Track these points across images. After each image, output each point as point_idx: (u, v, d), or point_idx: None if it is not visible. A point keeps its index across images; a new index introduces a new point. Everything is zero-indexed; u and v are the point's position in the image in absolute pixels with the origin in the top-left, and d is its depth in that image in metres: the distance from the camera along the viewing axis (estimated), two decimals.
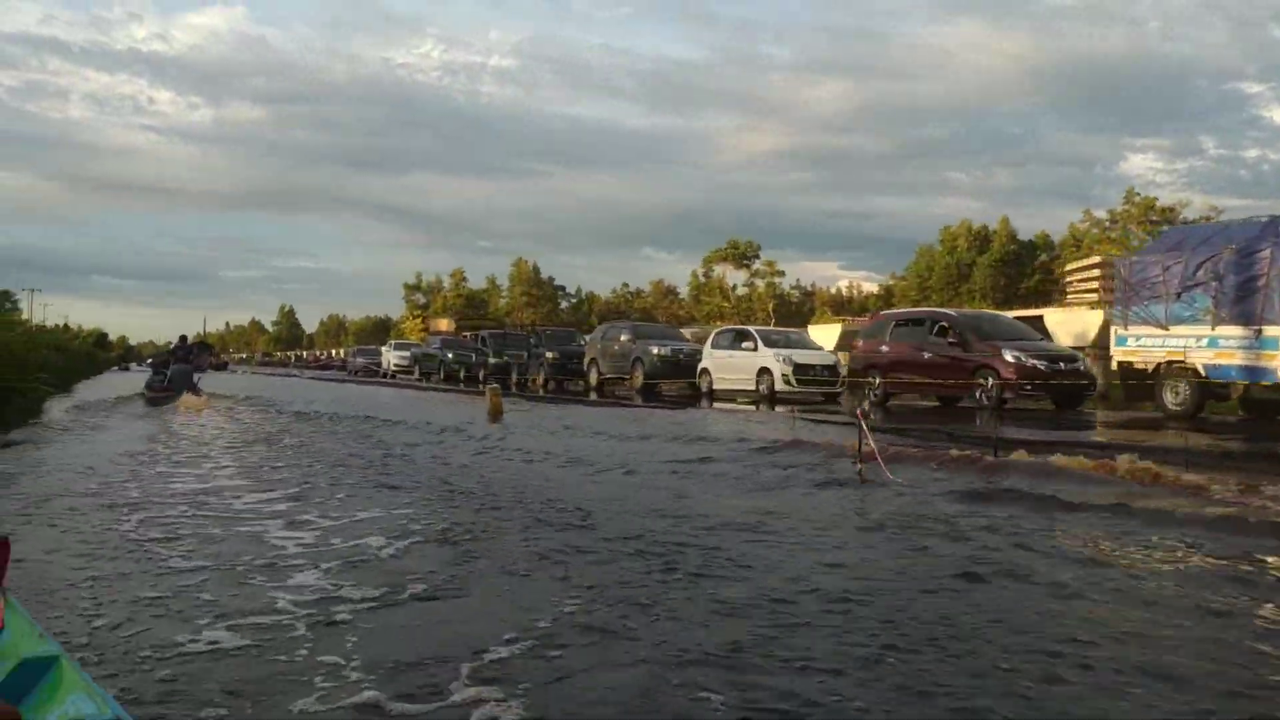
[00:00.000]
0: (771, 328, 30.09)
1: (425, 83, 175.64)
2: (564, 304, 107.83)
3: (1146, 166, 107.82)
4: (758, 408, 20.50)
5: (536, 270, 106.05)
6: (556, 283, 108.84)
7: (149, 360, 34.51)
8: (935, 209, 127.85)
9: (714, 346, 24.51)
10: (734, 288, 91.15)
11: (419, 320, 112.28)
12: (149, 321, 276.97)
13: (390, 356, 47.40)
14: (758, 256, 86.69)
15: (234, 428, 17.22)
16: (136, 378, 37.36)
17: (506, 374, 36.63)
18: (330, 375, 53.54)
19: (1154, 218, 78.80)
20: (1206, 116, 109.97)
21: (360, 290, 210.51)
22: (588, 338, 33.02)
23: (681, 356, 26.58)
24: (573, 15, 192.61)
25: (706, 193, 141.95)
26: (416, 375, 43.07)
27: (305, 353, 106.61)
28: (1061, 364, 16.44)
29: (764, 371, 22.17)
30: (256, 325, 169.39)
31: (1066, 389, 16.22)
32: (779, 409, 19.59)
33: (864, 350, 19.71)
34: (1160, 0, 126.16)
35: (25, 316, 42.13)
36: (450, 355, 40.78)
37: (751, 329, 24.36)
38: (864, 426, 9.12)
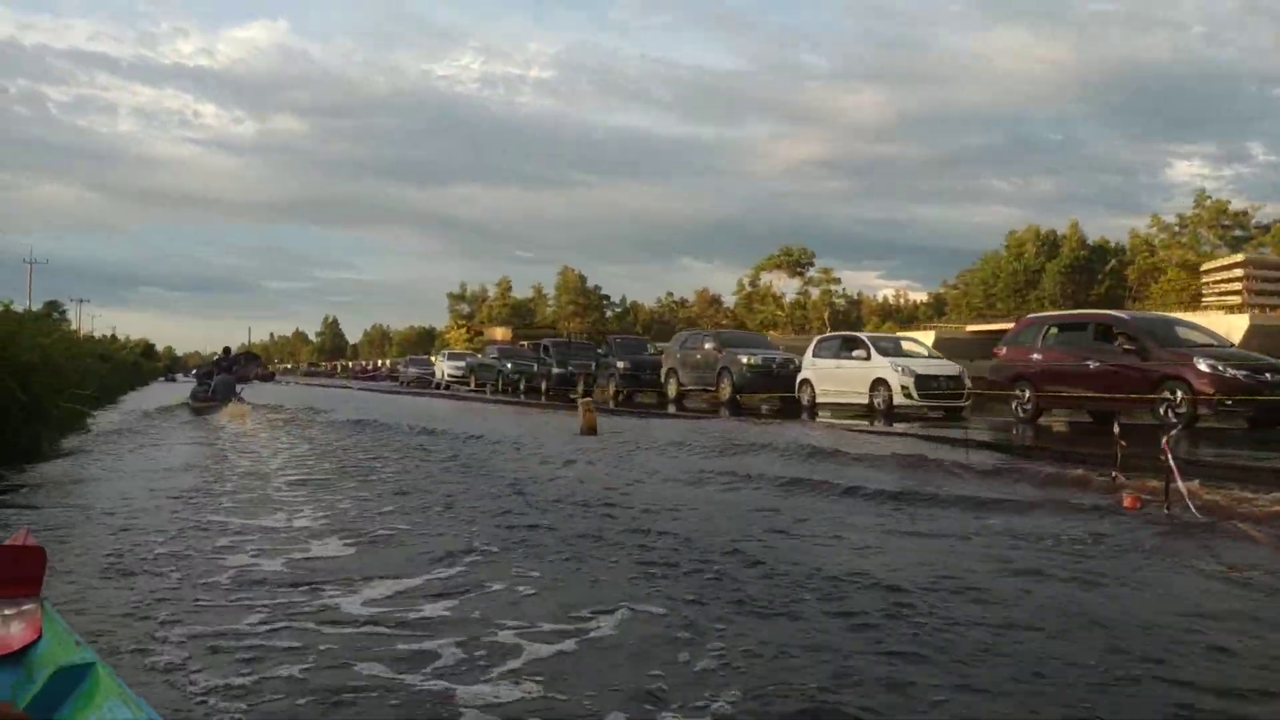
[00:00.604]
0: (880, 334, 27.36)
1: (465, 94, 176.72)
2: (608, 313, 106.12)
3: (1192, 173, 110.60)
4: (873, 423, 18.09)
5: (583, 279, 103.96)
6: (601, 292, 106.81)
7: (194, 371, 35.10)
8: (975, 217, 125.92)
9: (817, 355, 22.06)
10: (781, 295, 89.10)
11: (464, 330, 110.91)
12: (195, 332, 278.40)
13: (444, 367, 45.26)
14: (812, 264, 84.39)
15: (300, 447, 14.99)
16: (183, 388, 35.96)
17: (570, 385, 34.40)
18: (381, 386, 51.52)
19: (1225, 222, 75.83)
20: (1253, 121, 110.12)
21: (402, 301, 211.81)
22: (662, 347, 30.82)
23: (774, 366, 24.19)
24: (610, 26, 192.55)
25: (744, 202, 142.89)
26: (472, 386, 40.90)
27: (351, 363, 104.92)
28: (1267, 375, 13.88)
29: (879, 383, 19.68)
30: (300, 336, 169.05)
31: (1270, 405, 13.67)
32: (898, 425, 17.18)
33: (1009, 358, 17.14)
34: (1204, 4, 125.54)
35: (74, 327, 40.63)
36: (509, 365, 38.49)
37: (862, 336, 21.84)
38: (1170, 460, 6.72)
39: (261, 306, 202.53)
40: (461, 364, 44.67)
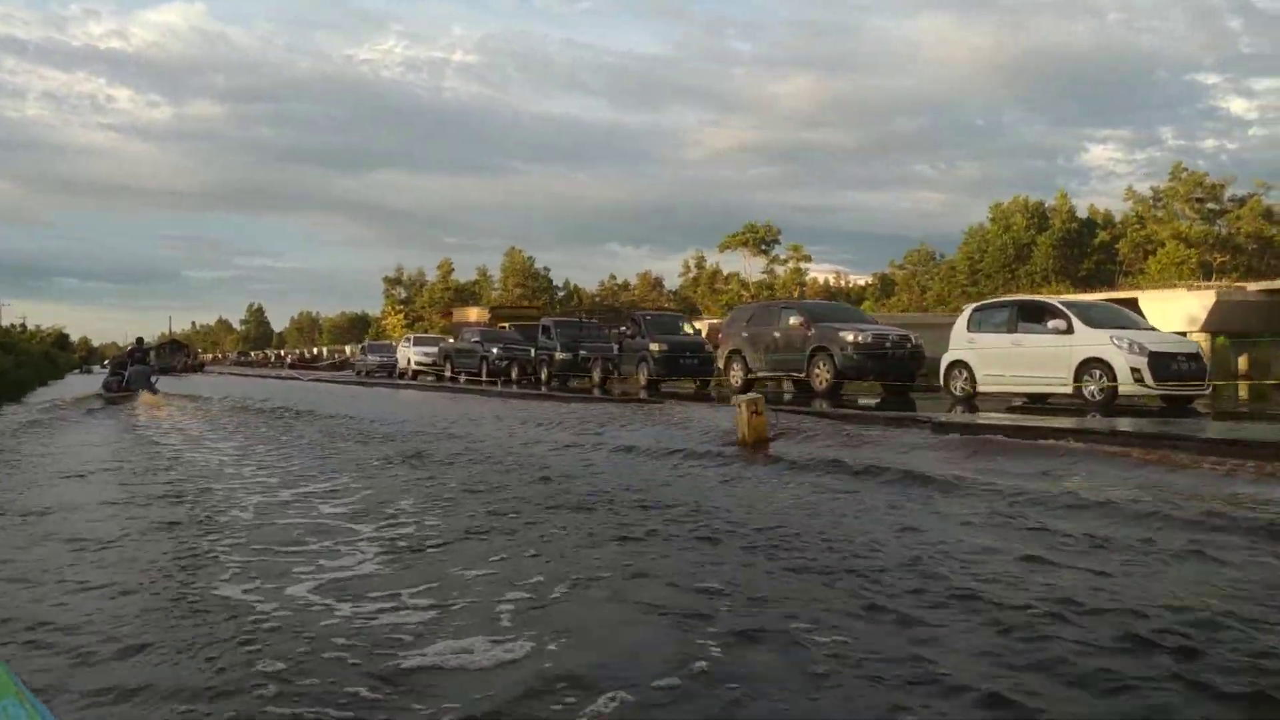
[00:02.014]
0: (1076, 299, 21.08)
1: (389, 79, 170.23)
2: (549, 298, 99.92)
3: (1107, 157, 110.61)
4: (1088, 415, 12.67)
5: (530, 261, 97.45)
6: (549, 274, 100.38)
7: (106, 362, 33.52)
8: (902, 202, 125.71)
9: (976, 328, 16.47)
10: (737, 274, 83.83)
11: (401, 315, 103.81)
12: (113, 324, 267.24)
13: (410, 353, 38.81)
14: (777, 242, 79.00)
15: (292, 466, 9.11)
16: (100, 380, 30.43)
17: (579, 371, 28.63)
18: (337, 376, 44.82)
19: (1199, 195, 72.16)
20: (1166, 108, 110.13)
21: (328, 288, 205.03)
22: (710, 324, 25.15)
23: (888, 345, 18.67)
24: (536, 11, 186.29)
25: (673, 188, 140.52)
26: (449, 374, 34.75)
27: (284, 351, 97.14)
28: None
29: (1091, 365, 14.19)
30: (224, 325, 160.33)
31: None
32: (1123, 421, 11.81)
33: None
34: None
35: None
36: (496, 350, 32.50)
37: (1054, 302, 16.14)
38: None
39: (183, 296, 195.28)
40: (433, 349, 38.37)
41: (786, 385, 21.95)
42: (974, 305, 17.47)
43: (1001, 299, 20.09)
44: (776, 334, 20.31)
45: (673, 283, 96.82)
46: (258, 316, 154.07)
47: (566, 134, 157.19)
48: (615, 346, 26.26)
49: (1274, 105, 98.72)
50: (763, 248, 78.48)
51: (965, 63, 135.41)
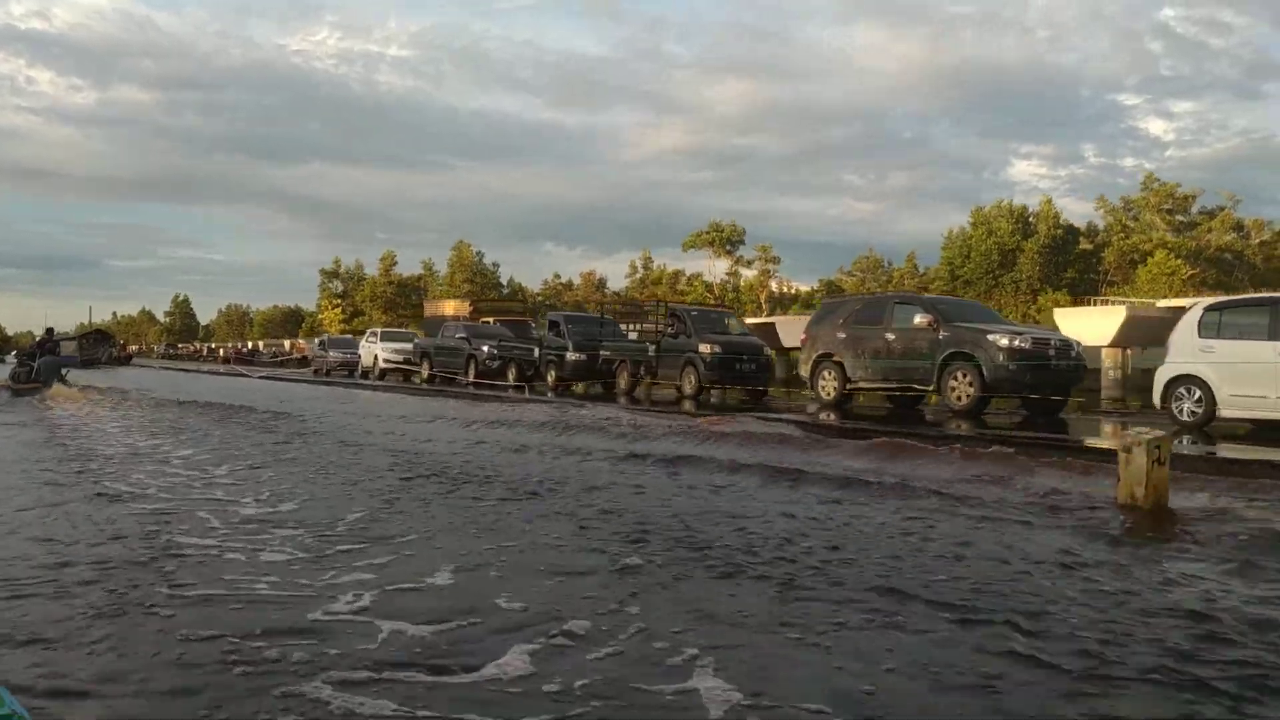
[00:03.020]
0: None
1: (321, 70, 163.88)
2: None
3: (1031, 172, 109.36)
4: None
5: (479, 256, 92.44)
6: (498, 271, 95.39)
7: (15, 353, 30.84)
8: (831, 210, 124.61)
9: (1213, 333, 12.49)
10: (699, 276, 79.98)
11: (338, 310, 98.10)
12: (30, 312, 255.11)
13: (377, 350, 33.96)
14: (743, 242, 75.19)
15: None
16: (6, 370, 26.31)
17: (595, 374, 24.37)
18: (294, 374, 39.58)
19: (1167, 206, 70.04)
20: (1088, 125, 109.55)
21: (257, 281, 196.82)
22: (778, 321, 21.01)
23: (1050, 353, 14.70)
24: (474, 6, 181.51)
25: (610, 189, 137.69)
26: (426, 374, 30.14)
27: (217, 345, 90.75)
28: None
29: None
30: (147, 316, 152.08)
31: None
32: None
33: None
34: (1049, 10, 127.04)
35: None
36: (487, 349, 27.96)
37: None
38: None
39: (104, 285, 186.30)
40: (405, 346, 33.61)
41: (862, 396, 17.90)
42: (1207, 303, 13.45)
43: (1258, 295, 16.17)
44: (890, 335, 16.20)
45: (616, 283, 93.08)
46: (183, 308, 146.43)
47: (503, 131, 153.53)
48: (650, 347, 21.95)
49: (1191, 128, 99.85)
50: (728, 248, 74.62)
51: (896, 74, 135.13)
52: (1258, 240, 70.27)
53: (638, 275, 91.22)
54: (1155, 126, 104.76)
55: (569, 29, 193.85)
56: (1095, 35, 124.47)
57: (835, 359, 17.16)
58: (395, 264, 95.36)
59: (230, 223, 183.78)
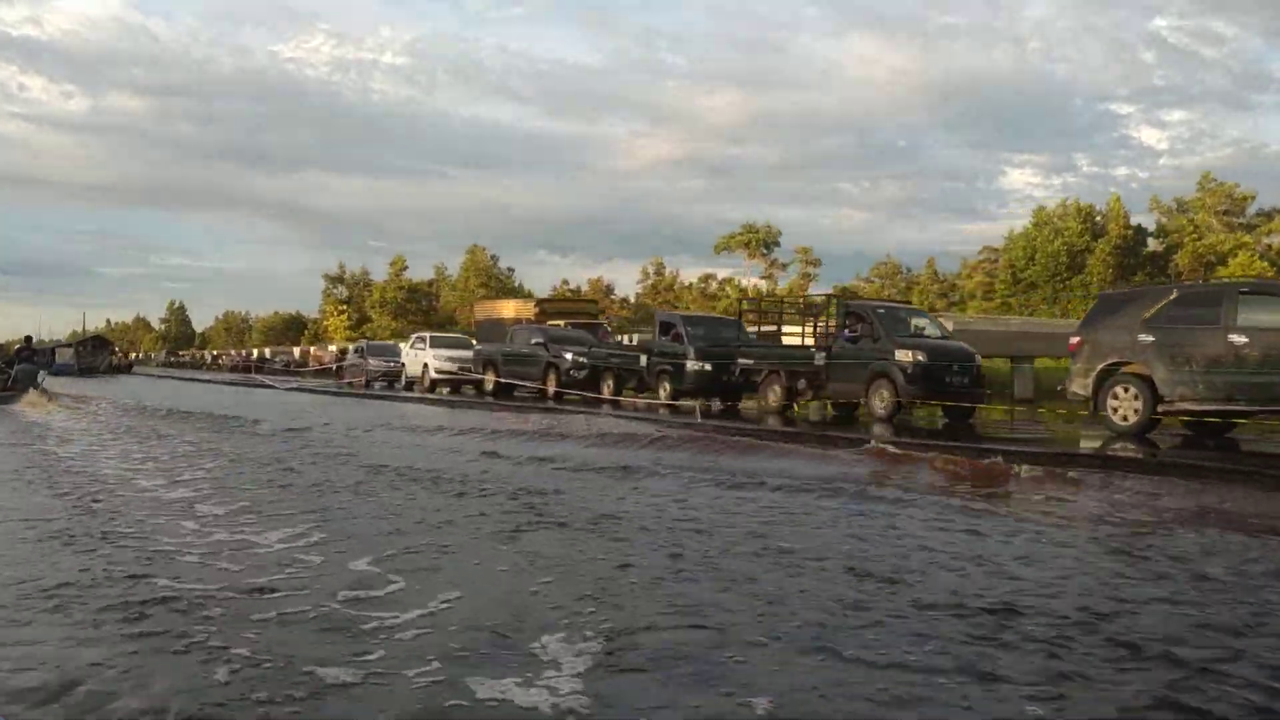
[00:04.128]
0: None
1: (315, 78, 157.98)
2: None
3: (1024, 181, 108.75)
4: None
5: (494, 260, 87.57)
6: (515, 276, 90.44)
7: None
8: (824, 219, 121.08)
9: None
10: (705, 284, 75.34)
11: (344, 316, 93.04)
12: (22, 320, 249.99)
13: (428, 357, 29.07)
14: (778, 244, 70.52)
15: None
16: None
17: (725, 388, 19.74)
18: (319, 385, 34.41)
19: (1223, 207, 65.74)
20: (1081, 135, 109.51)
21: (251, 288, 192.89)
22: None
23: None
24: (467, 15, 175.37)
25: (603, 198, 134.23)
26: (491, 385, 25.40)
27: (219, 352, 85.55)
28: None
29: None
30: (142, 323, 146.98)
31: None
32: None
33: None
34: (1042, 21, 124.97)
35: None
36: (571, 356, 23.25)
37: None
38: None
39: (96, 292, 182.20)
40: (462, 354, 28.77)
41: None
42: None
43: None
44: (1236, 339, 11.50)
45: (624, 291, 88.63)
46: (179, 315, 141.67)
47: (496, 140, 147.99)
48: (818, 354, 17.19)
49: (1183, 137, 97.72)
50: (763, 251, 69.94)
51: (888, 84, 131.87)
52: None
53: (649, 282, 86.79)
54: (1148, 136, 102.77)
55: (562, 39, 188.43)
56: (1086, 46, 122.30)
57: (1136, 370, 12.45)
58: (406, 268, 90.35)
59: (222, 230, 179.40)
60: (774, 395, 17.98)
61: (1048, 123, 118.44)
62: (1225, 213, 65.66)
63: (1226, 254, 54.48)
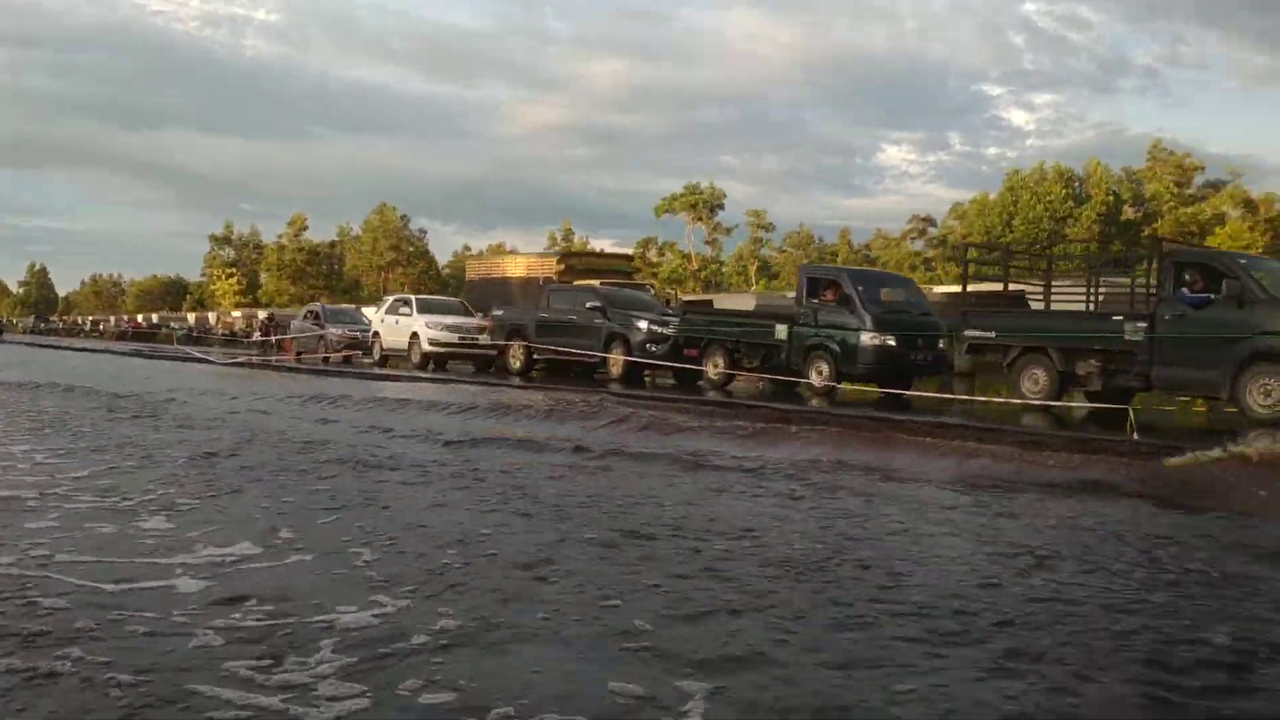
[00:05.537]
0: None
1: (183, 32, 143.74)
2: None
3: (901, 158, 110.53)
4: None
5: (405, 220, 79.68)
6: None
7: None
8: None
9: None
10: (662, 248, 69.34)
11: (233, 280, 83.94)
12: None
13: (416, 326, 22.47)
14: (722, 206, 64.85)
15: None
16: None
17: (907, 372, 14.12)
18: (280, 363, 27.03)
19: (1174, 177, 62.96)
20: (954, 114, 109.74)
21: (117, 251, 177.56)
22: None
23: None
24: None
25: (485, 165, 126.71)
26: (519, 364, 19.23)
27: (96, 319, 75.46)
28: None
29: None
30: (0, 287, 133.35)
31: None
32: None
33: None
34: (920, 2, 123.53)
35: None
36: (647, 326, 17.29)
37: None
38: None
39: None
40: (464, 320, 22.27)
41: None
42: None
43: None
44: None
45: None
46: (39, 278, 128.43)
47: (375, 102, 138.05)
48: (1133, 326, 11.50)
49: (1050, 119, 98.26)
50: (709, 212, 64.26)
51: (772, 58, 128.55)
52: (1264, 216, 63.72)
53: (556, 249, 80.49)
54: (1017, 117, 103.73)
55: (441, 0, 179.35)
56: (961, 27, 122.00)
57: None
58: (306, 228, 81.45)
59: (86, 191, 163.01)
60: (1034, 382, 12.26)
61: (923, 102, 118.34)
62: (1176, 184, 62.98)
63: (1206, 223, 51.33)
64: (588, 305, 18.60)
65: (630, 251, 48.37)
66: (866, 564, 5.10)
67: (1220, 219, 50.36)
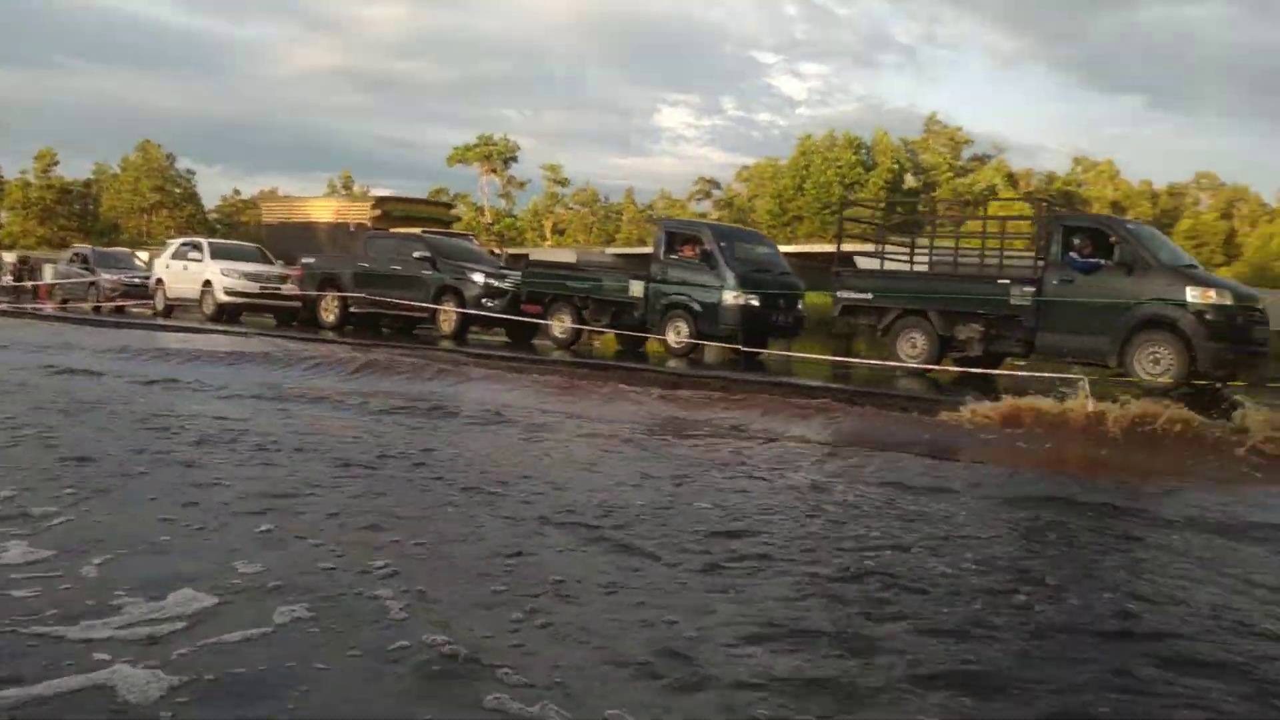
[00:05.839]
0: None
1: None
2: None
3: (678, 121, 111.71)
4: None
5: (170, 159, 73.43)
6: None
7: None
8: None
9: None
10: (454, 199, 66.85)
11: None
12: None
13: (209, 274, 19.59)
14: (516, 159, 63.07)
15: None
16: None
17: (768, 333, 13.67)
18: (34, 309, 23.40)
19: (947, 148, 66.38)
20: (729, 80, 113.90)
21: None
22: None
23: None
24: None
25: (253, 106, 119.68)
26: (333, 318, 17.49)
27: None
28: None
29: None
30: None
31: None
32: None
33: None
34: None
35: None
36: (483, 279, 16.02)
37: None
38: None
39: None
40: (266, 269, 20.07)
41: None
42: None
43: None
44: None
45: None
46: None
47: (125, 30, 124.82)
48: (1019, 290, 11.20)
49: (819, 89, 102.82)
50: (504, 164, 62.40)
51: (555, 13, 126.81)
52: (1024, 189, 68.19)
53: (337, 196, 76.60)
54: (789, 86, 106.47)
55: None
56: None
57: None
58: (57, 163, 73.54)
59: None
60: (911, 345, 11.83)
61: (700, 65, 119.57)
62: (951, 156, 66.11)
63: (980, 194, 53.95)
64: (415, 255, 16.95)
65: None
66: None
67: (993, 191, 52.94)
